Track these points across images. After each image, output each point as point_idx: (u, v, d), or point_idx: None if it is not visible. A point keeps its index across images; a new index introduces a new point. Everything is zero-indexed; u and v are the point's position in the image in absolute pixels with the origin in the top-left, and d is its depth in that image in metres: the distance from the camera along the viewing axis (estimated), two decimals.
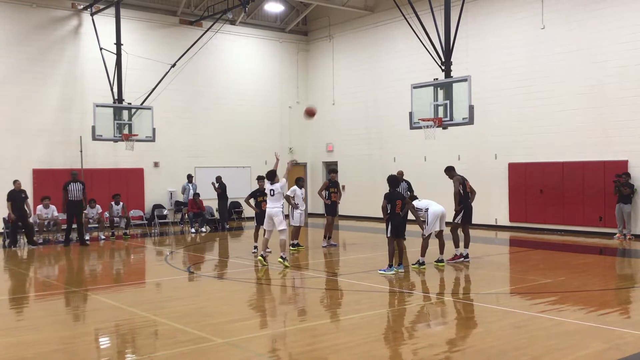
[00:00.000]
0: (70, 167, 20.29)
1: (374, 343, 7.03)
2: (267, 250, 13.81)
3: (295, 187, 14.56)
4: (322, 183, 18.35)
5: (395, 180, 11.53)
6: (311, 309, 8.93)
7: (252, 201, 14.34)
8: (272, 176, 12.50)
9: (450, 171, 12.80)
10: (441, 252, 12.18)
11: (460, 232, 12.78)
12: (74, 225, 16.76)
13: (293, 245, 14.72)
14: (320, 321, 8.17)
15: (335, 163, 25.09)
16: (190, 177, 21.47)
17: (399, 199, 11.36)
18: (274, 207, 12.23)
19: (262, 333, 7.63)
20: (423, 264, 11.81)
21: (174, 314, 8.38)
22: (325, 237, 15.42)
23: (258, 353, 6.66)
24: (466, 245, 12.61)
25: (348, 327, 7.67)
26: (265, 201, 13.71)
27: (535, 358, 6.24)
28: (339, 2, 23.04)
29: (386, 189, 11.53)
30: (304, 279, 11.48)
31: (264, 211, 13.89)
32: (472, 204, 12.73)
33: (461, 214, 12.51)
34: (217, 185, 19.84)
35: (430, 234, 11.98)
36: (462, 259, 12.46)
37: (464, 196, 12.56)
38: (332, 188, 15.51)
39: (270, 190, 12.40)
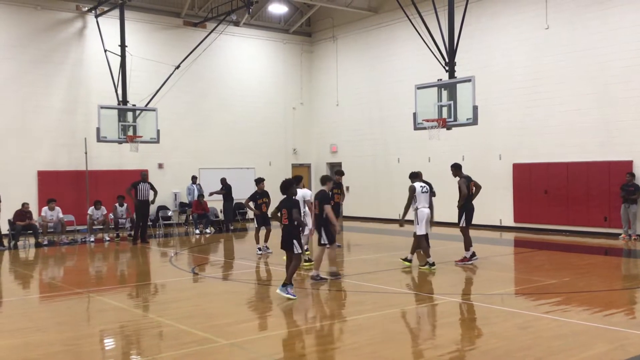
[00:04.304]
0: (75, 169, 20.39)
1: (379, 344, 7.02)
2: (268, 250, 14.05)
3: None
4: None
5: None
6: (315, 310, 8.92)
7: (251, 203, 14.36)
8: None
9: (455, 169, 12.71)
10: (424, 254, 12.04)
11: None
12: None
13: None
14: (324, 322, 8.16)
15: (339, 164, 25.07)
16: (194, 179, 21.50)
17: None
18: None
19: (267, 334, 7.63)
20: (433, 264, 11.76)
21: (178, 315, 8.39)
22: None
23: (262, 354, 6.66)
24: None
25: (352, 328, 7.66)
26: (265, 203, 14.02)
27: (540, 359, 6.22)
28: (342, 3, 23.04)
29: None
30: (308, 280, 11.46)
31: (265, 213, 14.14)
32: (475, 203, 12.70)
33: (464, 216, 12.48)
34: (221, 187, 19.88)
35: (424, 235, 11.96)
36: (471, 261, 12.41)
37: (467, 198, 12.53)
38: (335, 189, 15.47)
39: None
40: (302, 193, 12.09)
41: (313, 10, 25.41)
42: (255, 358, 6.60)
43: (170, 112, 21.62)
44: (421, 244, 12.05)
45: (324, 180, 11.48)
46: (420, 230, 11.92)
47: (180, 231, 20.80)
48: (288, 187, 9.57)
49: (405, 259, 12.41)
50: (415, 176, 12.63)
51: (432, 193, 12.68)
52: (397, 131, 22.19)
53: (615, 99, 16.66)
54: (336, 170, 16.20)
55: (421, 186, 12.15)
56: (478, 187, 12.71)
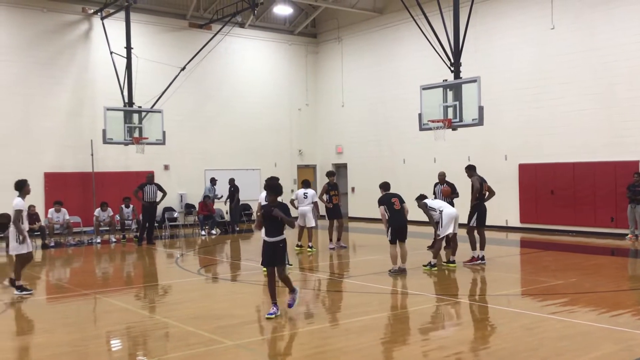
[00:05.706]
0: (82, 171, 20.46)
1: (384, 345, 7.03)
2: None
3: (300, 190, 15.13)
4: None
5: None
6: (321, 311, 8.93)
7: None
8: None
9: (470, 170, 12.85)
10: (453, 253, 12.18)
11: (475, 234, 12.73)
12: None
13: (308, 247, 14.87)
14: (329, 323, 8.17)
15: (345, 165, 25.09)
16: (213, 181, 21.03)
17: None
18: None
19: (273, 336, 7.63)
20: (435, 265, 11.81)
21: (184, 316, 8.41)
22: (330, 240, 15.42)
23: (268, 356, 6.68)
24: (482, 248, 12.57)
25: (358, 329, 7.66)
26: None
27: (546, 359, 6.22)
28: (347, 4, 23.05)
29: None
30: (313, 281, 11.48)
31: None
32: (485, 204, 12.72)
33: (475, 216, 12.49)
34: (229, 188, 19.91)
35: (444, 236, 12.01)
36: (480, 261, 12.40)
37: (479, 197, 12.53)
38: (332, 191, 15.49)
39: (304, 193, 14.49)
40: (311, 194, 14.53)
41: (318, 12, 25.43)
42: (261, 359, 6.61)
43: (176, 114, 21.66)
44: (437, 244, 12.25)
45: (387, 186, 12.37)
46: (442, 231, 12.04)
47: (187, 232, 20.84)
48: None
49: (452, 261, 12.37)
50: (422, 198, 12.77)
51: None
52: (403, 132, 22.16)
53: (621, 99, 16.61)
54: (328, 172, 16.19)
55: (430, 199, 12.70)
56: (492, 192, 12.80)
